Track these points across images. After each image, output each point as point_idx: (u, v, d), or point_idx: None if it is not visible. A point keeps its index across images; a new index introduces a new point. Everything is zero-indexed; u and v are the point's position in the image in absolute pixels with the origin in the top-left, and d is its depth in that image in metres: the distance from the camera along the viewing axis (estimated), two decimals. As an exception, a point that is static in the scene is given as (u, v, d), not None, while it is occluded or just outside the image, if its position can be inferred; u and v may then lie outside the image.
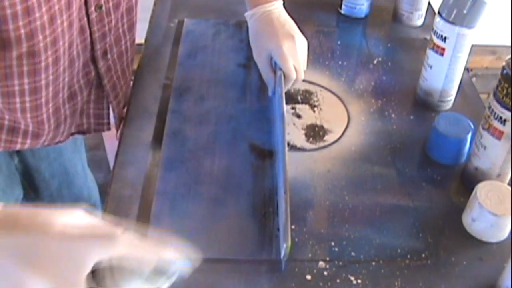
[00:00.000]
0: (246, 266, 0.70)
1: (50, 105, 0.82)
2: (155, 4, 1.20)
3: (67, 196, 1.13)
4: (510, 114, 0.73)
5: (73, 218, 0.45)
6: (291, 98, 0.97)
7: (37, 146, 0.86)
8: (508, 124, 0.74)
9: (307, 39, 0.92)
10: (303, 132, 0.91)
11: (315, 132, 0.91)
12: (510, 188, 0.75)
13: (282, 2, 0.93)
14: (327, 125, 0.93)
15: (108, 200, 0.77)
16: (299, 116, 0.94)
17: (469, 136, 0.84)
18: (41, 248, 0.42)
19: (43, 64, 0.74)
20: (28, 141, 0.84)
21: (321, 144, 0.89)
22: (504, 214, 0.72)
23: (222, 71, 1.02)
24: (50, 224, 0.43)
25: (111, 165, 1.05)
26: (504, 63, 0.73)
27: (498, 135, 0.75)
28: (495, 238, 0.75)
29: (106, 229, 0.45)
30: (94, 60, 0.86)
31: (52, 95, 0.80)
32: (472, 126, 0.85)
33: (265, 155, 0.86)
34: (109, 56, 0.87)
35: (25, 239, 0.42)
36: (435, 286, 0.69)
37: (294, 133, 0.90)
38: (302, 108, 0.96)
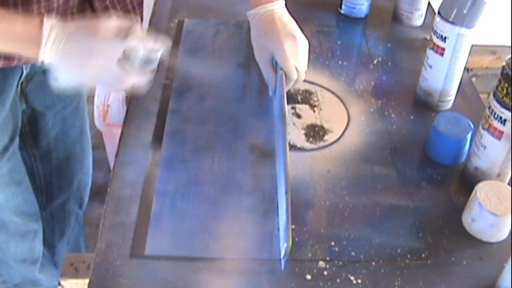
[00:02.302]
0: (246, 266, 0.71)
1: None
2: (155, 4, 1.20)
3: (61, 147, 1.15)
4: (510, 114, 0.73)
5: (109, 22, 0.71)
6: (291, 98, 0.96)
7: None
8: (508, 124, 0.74)
9: (307, 39, 0.92)
10: (303, 132, 0.91)
11: (315, 132, 0.91)
12: (510, 188, 0.75)
13: (284, 2, 0.93)
14: (327, 125, 0.93)
15: (108, 200, 0.77)
16: (299, 116, 0.94)
17: (469, 136, 0.84)
18: (94, 42, 0.70)
19: None
20: (24, 59, 0.85)
21: (321, 144, 0.89)
22: (504, 214, 0.72)
23: (222, 71, 1.02)
24: (98, 26, 0.71)
25: (111, 165, 1.05)
26: (504, 63, 0.73)
27: (498, 135, 0.75)
28: (495, 238, 0.75)
29: (128, 28, 0.71)
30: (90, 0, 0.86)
31: None
32: (472, 126, 0.85)
33: (265, 155, 0.86)
34: None
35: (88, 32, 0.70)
36: (435, 286, 0.69)
37: (294, 133, 0.90)
38: (302, 108, 0.96)
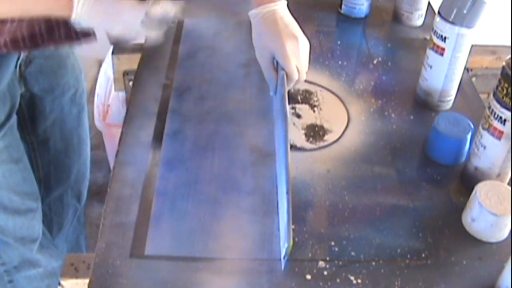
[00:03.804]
0: (246, 266, 0.71)
1: None
2: (155, 4, 1.20)
3: (58, 135, 1.17)
4: (510, 114, 0.73)
5: None
6: (291, 98, 0.96)
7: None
8: (508, 124, 0.74)
9: (307, 39, 0.92)
10: (303, 132, 0.91)
11: (315, 132, 0.91)
12: (510, 188, 0.75)
13: (286, 3, 0.93)
14: (327, 125, 0.93)
15: (108, 200, 0.77)
16: (299, 116, 0.94)
17: (469, 136, 0.84)
18: (120, 6, 0.83)
19: None
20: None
21: (321, 144, 0.89)
22: (504, 214, 0.72)
23: (222, 71, 1.02)
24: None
25: (111, 165, 1.06)
26: (504, 63, 0.73)
27: (498, 135, 0.75)
28: (494, 238, 0.75)
29: None
30: None
31: None
32: (472, 126, 0.85)
33: (265, 155, 0.86)
34: None
35: None
36: (435, 286, 0.69)
37: (294, 133, 0.90)
38: (302, 108, 0.96)
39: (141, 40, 1.09)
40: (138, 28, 0.85)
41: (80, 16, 0.81)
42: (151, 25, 0.86)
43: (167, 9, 0.87)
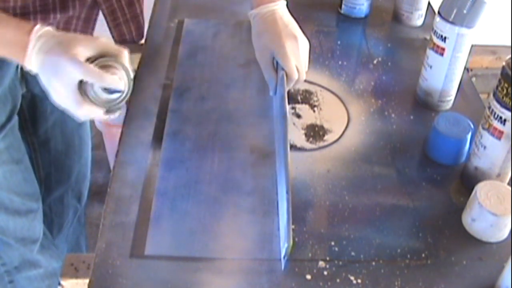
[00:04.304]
0: (246, 266, 0.71)
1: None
2: (155, 4, 1.20)
3: (59, 136, 1.17)
4: (510, 114, 0.73)
5: (90, 42, 0.70)
6: (291, 98, 0.96)
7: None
8: (508, 124, 0.74)
9: (307, 39, 0.92)
10: (303, 132, 0.91)
11: (315, 132, 0.91)
12: (510, 188, 0.75)
13: (285, 3, 0.93)
14: (327, 125, 0.93)
15: (108, 200, 0.77)
16: (299, 116, 0.94)
17: (469, 136, 0.84)
18: (61, 60, 0.69)
19: None
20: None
21: (321, 144, 0.89)
22: (504, 214, 0.72)
23: (222, 71, 1.02)
24: (74, 44, 0.69)
25: (111, 165, 1.06)
26: (504, 63, 0.73)
27: (498, 135, 0.75)
28: (495, 238, 0.75)
29: (112, 53, 0.71)
30: None
31: None
32: (472, 126, 0.85)
33: (265, 155, 0.86)
34: None
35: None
36: (435, 286, 0.69)
37: (294, 133, 0.90)
38: (302, 108, 0.96)
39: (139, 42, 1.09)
40: (74, 92, 0.70)
41: (31, 68, 0.72)
42: (94, 96, 0.71)
43: (113, 85, 0.71)
